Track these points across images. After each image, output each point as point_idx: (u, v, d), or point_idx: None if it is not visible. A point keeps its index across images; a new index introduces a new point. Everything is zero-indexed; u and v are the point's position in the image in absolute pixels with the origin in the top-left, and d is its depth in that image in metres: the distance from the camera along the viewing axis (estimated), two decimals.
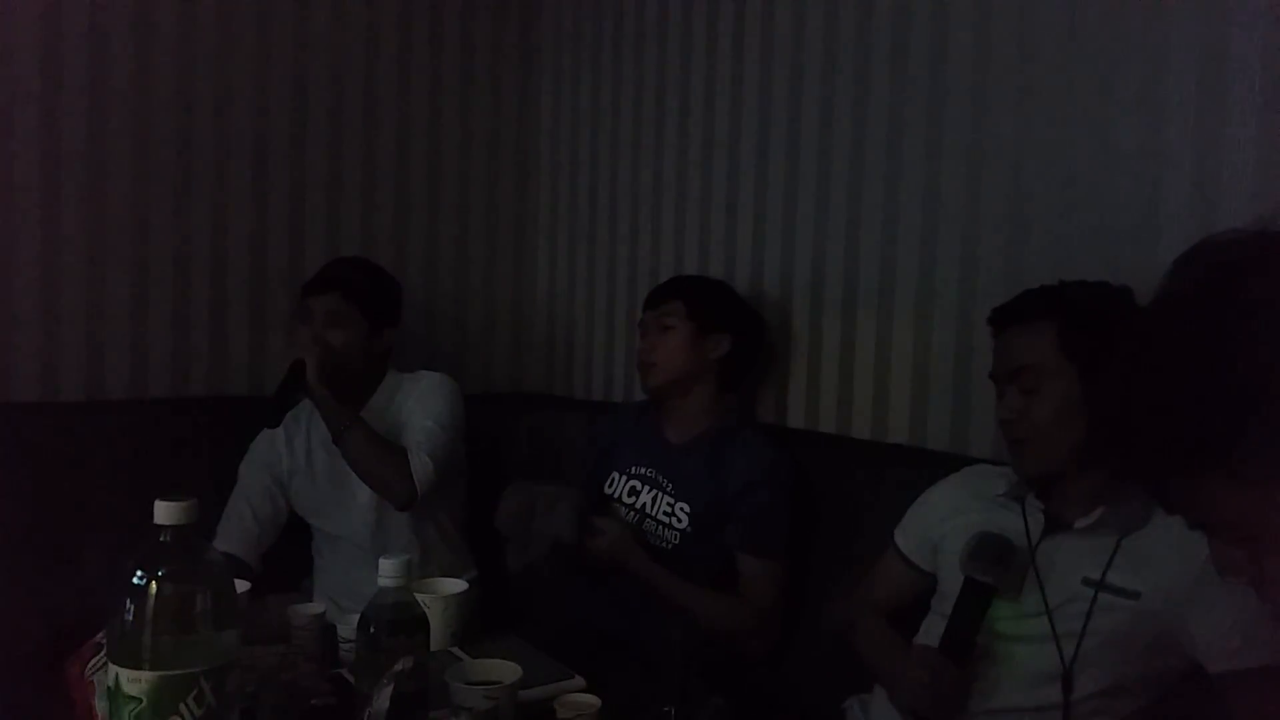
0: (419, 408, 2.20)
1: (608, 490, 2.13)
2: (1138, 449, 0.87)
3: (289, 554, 2.29)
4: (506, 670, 1.42)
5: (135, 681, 1.04)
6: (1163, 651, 1.42)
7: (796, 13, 2.25)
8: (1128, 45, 1.67)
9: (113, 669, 1.05)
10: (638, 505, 2.07)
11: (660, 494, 2.05)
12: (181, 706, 1.04)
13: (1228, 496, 0.79)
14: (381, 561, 1.35)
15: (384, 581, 1.34)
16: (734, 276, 2.35)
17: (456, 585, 1.76)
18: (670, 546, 2.01)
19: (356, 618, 1.43)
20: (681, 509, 2.01)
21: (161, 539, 1.07)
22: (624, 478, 2.12)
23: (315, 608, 1.70)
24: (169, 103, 2.53)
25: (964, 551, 1.48)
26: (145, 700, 1.03)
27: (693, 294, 2.12)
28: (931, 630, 1.56)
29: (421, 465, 2.10)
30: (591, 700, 1.39)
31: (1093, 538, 1.47)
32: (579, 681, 1.51)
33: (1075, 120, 1.75)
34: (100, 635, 1.36)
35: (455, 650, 1.61)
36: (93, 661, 1.35)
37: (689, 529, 1.99)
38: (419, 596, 1.42)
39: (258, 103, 2.63)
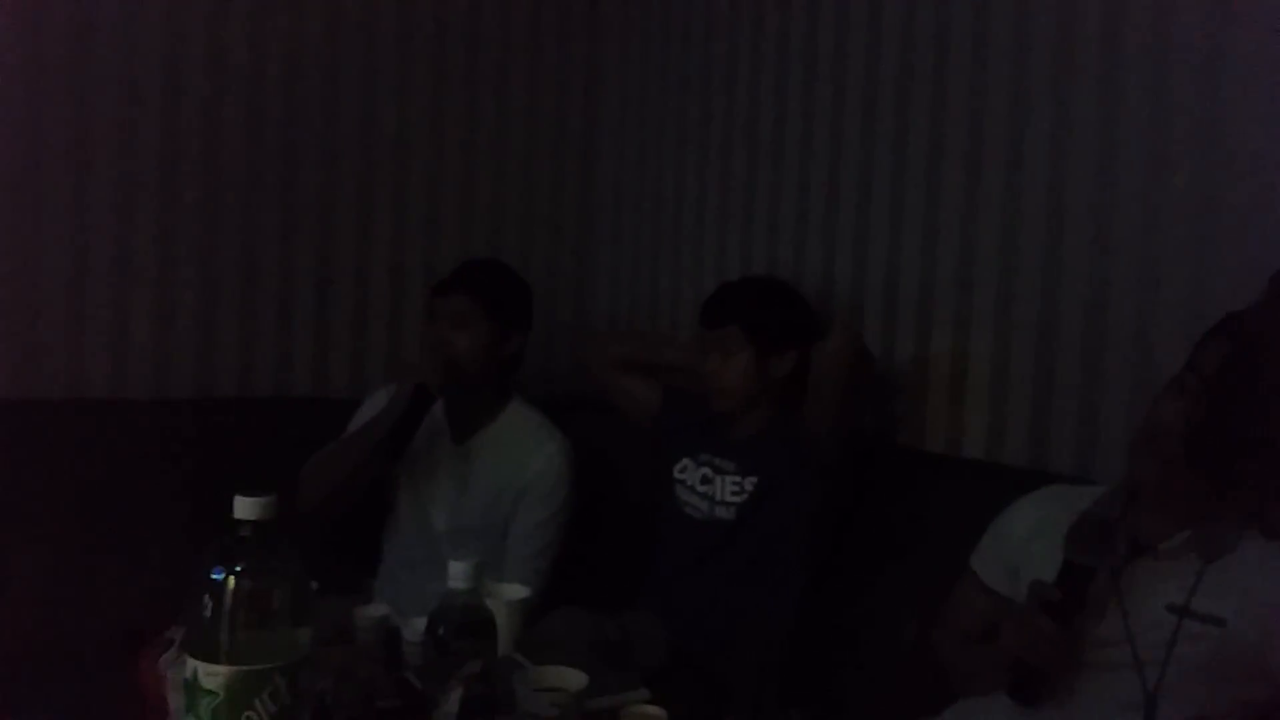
0: (530, 508, 2.18)
1: (679, 475, 2.16)
2: (1239, 469, 0.84)
3: (351, 554, 2.30)
4: (572, 678, 1.41)
5: (213, 675, 1.04)
6: (1251, 680, 1.36)
7: (874, 6, 2.21)
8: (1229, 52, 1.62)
9: (190, 662, 1.06)
10: (709, 494, 2.11)
11: (726, 477, 2.09)
12: (257, 702, 1.05)
13: None
14: (451, 564, 1.35)
15: (454, 584, 1.33)
16: (802, 283, 2.30)
17: (519, 591, 1.75)
18: (734, 517, 2.06)
19: (418, 621, 1.43)
20: (750, 482, 2.06)
21: (241, 534, 1.07)
22: (696, 466, 2.15)
23: (379, 610, 1.70)
24: (239, 98, 2.56)
25: (1066, 534, 1.43)
26: (222, 694, 1.04)
27: (750, 316, 2.08)
28: None
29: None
30: (658, 712, 1.38)
31: (1177, 561, 1.42)
32: (644, 692, 1.50)
33: (1162, 130, 1.70)
34: (171, 630, 1.37)
35: (517, 656, 1.60)
36: (166, 655, 1.36)
37: (754, 494, 2.04)
38: None
39: (324, 90, 2.65)
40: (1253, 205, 1.59)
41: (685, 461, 2.16)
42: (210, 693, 1.04)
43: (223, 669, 1.04)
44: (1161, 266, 1.70)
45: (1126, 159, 1.75)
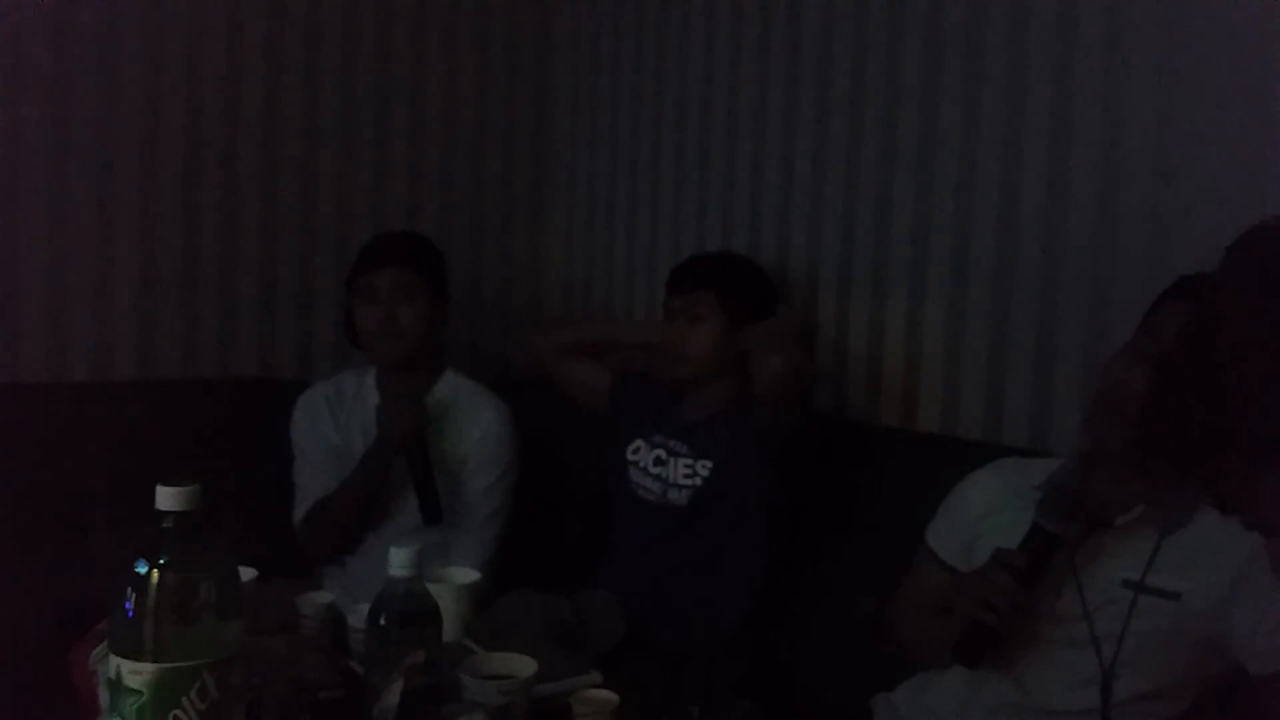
0: (475, 474, 2.17)
1: (631, 456, 2.14)
2: (1195, 442, 0.83)
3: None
4: (521, 664, 1.37)
5: (136, 674, 0.99)
6: (1205, 654, 1.36)
7: None
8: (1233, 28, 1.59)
9: (114, 660, 1.01)
10: (662, 475, 2.08)
11: (679, 459, 2.07)
12: (184, 700, 1.00)
13: None
14: (391, 551, 1.30)
15: (394, 571, 1.29)
16: (758, 260, 2.28)
17: (469, 575, 1.72)
18: (686, 502, 2.03)
19: (364, 607, 1.39)
20: (703, 465, 2.03)
21: (164, 525, 1.02)
22: (649, 447, 2.12)
23: (324, 596, 1.66)
24: (177, 80, 2.50)
25: (1039, 499, 1.41)
26: (147, 693, 0.99)
27: (726, 283, 2.06)
28: None
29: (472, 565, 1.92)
30: (609, 697, 1.35)
31: (1133, 536, 1.41)
32: (596, 676, 1.47)
33: (1117, 99, 1.68)
34: (104, 622, 1.32)
35: (468, 642, 1.56)
36: (96, 649, 1.31)
37: (708, 479, 2.02)
38: (430, 586, 1.37)
39: (267, 91, 2.60)
40: (1208, 176, 1.58)
41: (638, 442, 2.14)
42: (135, 691, 0.99)
43: (147, 667, 0.99)
44: (1116, 239, 1.69)
45: (1080, 131, 1.74)
